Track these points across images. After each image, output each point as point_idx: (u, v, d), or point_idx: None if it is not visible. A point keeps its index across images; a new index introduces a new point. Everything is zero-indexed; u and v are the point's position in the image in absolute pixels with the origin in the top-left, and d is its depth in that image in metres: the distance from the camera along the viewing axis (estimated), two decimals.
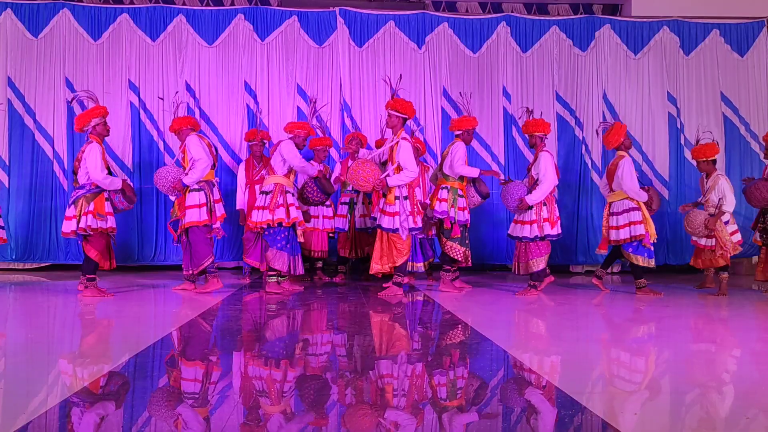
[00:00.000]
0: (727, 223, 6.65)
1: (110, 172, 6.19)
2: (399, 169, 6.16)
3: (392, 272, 6.40)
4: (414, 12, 8.90)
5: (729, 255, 6.54)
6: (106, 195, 6.07)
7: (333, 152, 8.52)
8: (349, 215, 7.55)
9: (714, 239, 6.58)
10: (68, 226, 6.04)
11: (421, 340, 4.58)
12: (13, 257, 8.35)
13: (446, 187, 6.64)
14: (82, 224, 5.92)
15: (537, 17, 9.13)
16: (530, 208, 6.39)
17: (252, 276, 7.72)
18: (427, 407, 2.88)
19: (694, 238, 6.91)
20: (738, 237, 6.76)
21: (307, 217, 7.27)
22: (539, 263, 6.43)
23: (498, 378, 3.49)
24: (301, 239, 6.53)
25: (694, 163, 7.20)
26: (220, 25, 8.62)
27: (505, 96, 8.77)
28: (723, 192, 6.52)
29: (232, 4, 9.52)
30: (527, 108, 6.99)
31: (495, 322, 5.35)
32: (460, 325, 5.00)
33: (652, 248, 6.47)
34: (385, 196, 6.27)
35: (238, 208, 7.53)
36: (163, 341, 4.21)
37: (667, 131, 8.85)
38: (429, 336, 4.71)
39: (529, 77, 8.85)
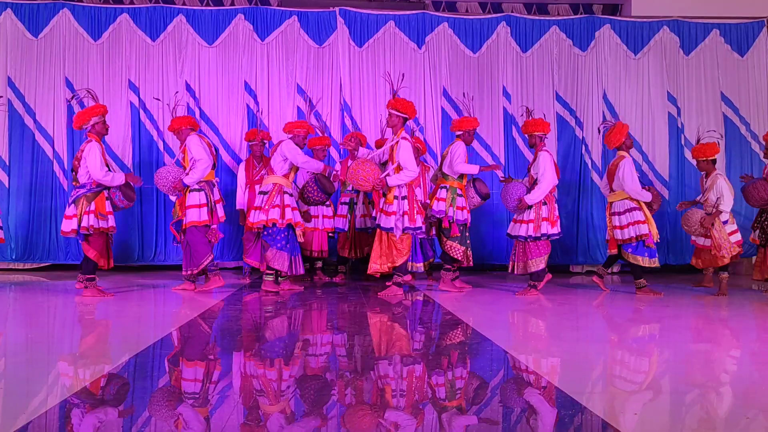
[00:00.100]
0: (726, 222, 6.65)
1: (110, 171, 6.19)
2: (399, 168, 6.16)
3: (391, 272, 6.40)
4: (414, 12, 8.90)
5: (728, 255, 6.53)
6: (106, 194, 6.07)
7: (333, 152, 8.52)
8: (349, 215, 7.55)
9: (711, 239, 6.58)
10: (68, 225, 6.04)
11: (421, 340, 4.58)
12: (13, 257, 8.35)
13: (445, 187, 6.65)
14: (84, 223, 5.92)
15: (537, 17, 9.13)
16: (529, 207, 6.39)
17: (252, 276, 7.72)
18: (427, 407, 2.88)
19: (694, 238, 6.91)
20: (738, 237, 6.76)
21: (307, 217, 7.27)
22: (539, 263, 6.42)
23: (498, 378, 3.49)
24: (301, 239, 6.53)
25: (694, 162, 7.20)
26: (220, 25, 8.62)
27: (505, 96, 8.77)
28: (721, 191, 6.53)
29: (232, 4, 9.52)
30: (527, 108, 6.99)
31: (495, 322, 5.35)
32: (460, 325, 5.00)
33: (655, 248, 6.46)
34: (385, 195, 6.27)
35: (238, 208, 7.53)
36: (163, 341, 4.22)
37: (667, 131, 8.85)
38: (429, 336, 4.71)
39: (529, 77, 8.85)
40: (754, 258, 8.05)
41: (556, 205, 6.53)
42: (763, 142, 7.19)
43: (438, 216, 6.60)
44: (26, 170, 8.37)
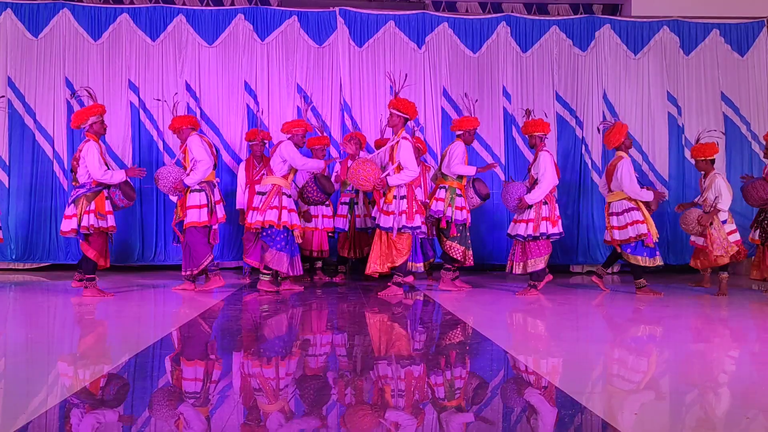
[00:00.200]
0: (725, 222, 6.65)
1: (109, 170, 6.19)
2: (399, 168, 6.17)
3: (390, 272, 6.40)
4: (414, 12, 8.90)
5: (726, 255, 6.53)
6: (106, 194, 6.07)
7: (333, 152, 8.52)
8: (349, 215, 7.55)
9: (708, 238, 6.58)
10: (68, 225, 6.03)
11: (421, 340, 4.58)
12: (13, 257, 8.35)
13: (444, 187, 6.65)
14: (84, 223, 5.91)
15: (537, 17, 9.13)
16: (529, 207, 6.39)
17: (252, 276, 7.72)
18: (427, 407, 2.88)
19: (693, 238, 6.91)
20: (736, 237, 6.76)
21: (307, 216, 7.26)
22: (538, 263, 6.42)
23: (498, 378, 3.49)
24: (299, 240, 6.52)
25: (693, 162, 7.20)
26: (220, 25, 8.62)
27: (505, 96, 8.77)
28: (719, 191, 6.54)
29: (232, 4, 9.51)
30: (527, 109, 6.99)
31: (495, 322, 5.35)
32: (460, 325, 5.00)
33: (655, 247, 6.46)
34: (385, 195, 6.27)
35: (237, 207, 7.53)
36: (163, 341, 4.22)
37: (667, 131, 8.86)
38: (429, 336, 4.71)
39: (529, 77, 8.85)
40: (753, 258, 8.05)
41: (556, 205, 6.53)
42: (764, 142, 7.20)
43: (436, 216, 6.61)
44: (26, 170, 8.37)
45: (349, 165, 7.40)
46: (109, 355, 3.93)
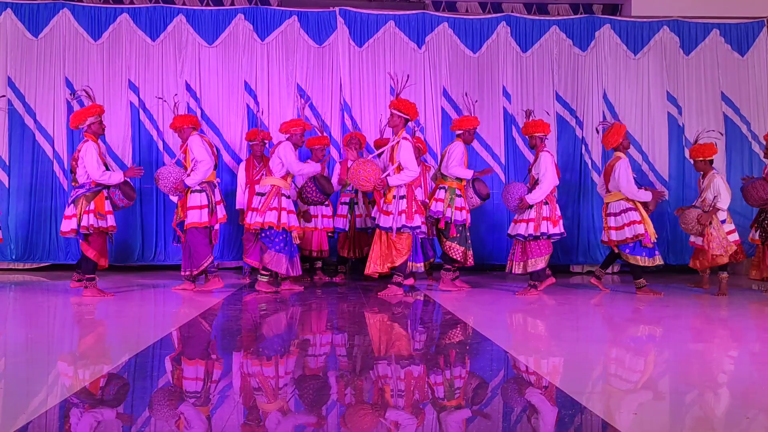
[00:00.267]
0: (723, 222, 6.67)
1: (107, 170, 6.19)
2: (400, 168, 6.17)
3: (390, 273, 6.40)
4: (414, 12, 8.90)
5: (725, 254, 6.54)
6: (105, 193, 6.07)
7: (333, 152, 8.52)
8: (349, 215, 7.54)
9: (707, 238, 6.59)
10: (67, 225, 6.03)
11: (421, 340, 4.58)
12: (13, 257, 8.35)
13: (444, 187, 6.65)
14: (84, 223, 5.91)
15: (537, 17, 9.13)
16: (530, 207, 6.40)
17: (252, 276, 7.71)
18: (427, 407, 2.88)
19: (692, 239, 6.91)
20: (735, 237, 6.77)
21: (307, 216, 7.26)
22: (538, 263, 6.42)
23: (498, 378, 3.49)
24: (297, 241, 6.51)
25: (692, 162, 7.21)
26: (220, 25, 8.62)
27: (505, 96, 8.77)
28: (718, 190, 6.55)
29: (232, 4, 9.51)
30: (528, 110, 6.99)
31: (495, 322, 5.35)
32: (460, 325, 5.00)
33: (653, 247, 6.46)
34: (385, 195, 6.27)
35: (237, 207, 7.52)
36: (163, 341, 4.21)
37: (667, 131, 8.85)
38: (429, 336, 4.71)
39: (529, 77, 8.85)
40: (752, 258, 8.05)
41: (557, 205, 6.53)
42: (764, 142, 7.20)
43: (436, 216, 6.61)
44: (26, 170, 8.37)
45: (349, 165, 7.41)
46: (109, 355, 3.93)
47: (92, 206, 5.95)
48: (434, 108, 8.73)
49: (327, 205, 7.53)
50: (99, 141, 6.17)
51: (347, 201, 7.57)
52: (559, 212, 6.53)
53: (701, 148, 6.80)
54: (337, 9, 8.72)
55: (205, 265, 6.35)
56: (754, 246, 7.07)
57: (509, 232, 6.66)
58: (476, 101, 7.44)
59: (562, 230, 6.53)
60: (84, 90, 6.39)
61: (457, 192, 6.64)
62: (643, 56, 8.89)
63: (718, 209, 6.55)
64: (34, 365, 3.58)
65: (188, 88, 8.51)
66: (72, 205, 6.02)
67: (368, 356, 3.91)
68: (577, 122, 8.84)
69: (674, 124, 8.86)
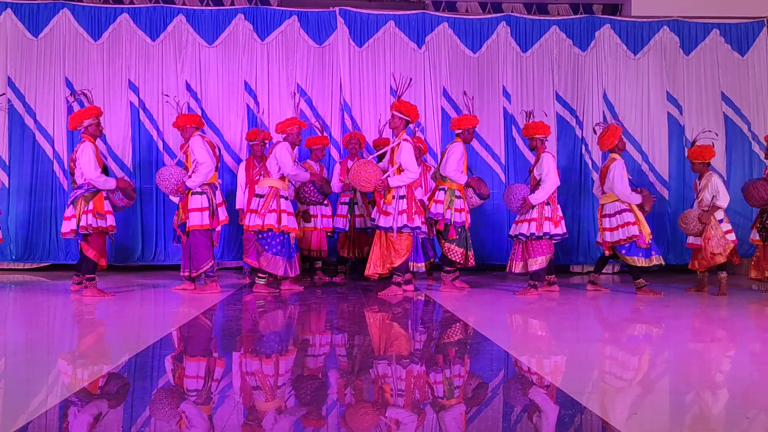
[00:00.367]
0: (721, 221, 6.68)
1: (105, 171, 6.19)
2: (400, 170, 6.17)
3: (390, 273, 6.40)
4: (414, 12, 8.90)
5: (723, 253, 6.55)
6: (104, 194, 6.06)
7: (333, 152, 8.52)
8: (348, 215, 7.54)
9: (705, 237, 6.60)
10: (67, 226, 6.03)
11: (421, 340, 4.58)
12: (13, 257, 8.35)
13: (443, 189, 6.65)
14: (82, 223, 5.91)
15: (537, 17, 9.13)
16: (532, 207, 6.41)
17: (252, 276, 7.71)
18: (427, 407, 2.88)
19: (689, 240, 6.92)
20: (732, 236, 6.77)
21: (307, 216, 7.25)
22: (539, 262, 6.43)
23: (498, 378, 3.49)
24: (293, 241, 6.50)
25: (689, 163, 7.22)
26: (220, 25, 8.62)
27: (505, 96, 8.77)
28: (717, 189, 6.59)
29: (232, 4, 9.52)
30: (528, 111, 7.00)
31: (495, 322, 5.35)
32: (460, 326, 5.00)
33: (649, 247, 6.48)
34: (384, 195, 6.27)
35: (237, 207, 7.52)
36: (163, 341, 4.21)
37: (667, 131, 8.85)
38: (429, 336, 4.71)
39: (529, 77, 8.84)
40: (752, 257, 8.04)
41: (558, 206, 6.55)
42: (764, 143, 7.20)
43: (436, 218, 6.61)
44: (26, 170, 8.37)
45: (349, 165, 7.41)
46: (109, 355, 3.93)
47: (91, 206, 5.95)
48: (434, 108, 8.73)
49: (326, 205, 7.53)
50: (98, 141, 6.17)
51: (347, 201, 7.57)
52: (560, 213, 6.55)
53: (701, 151, 6.82)
54: (337, 9, 8.72)
55: (205, 268, 6.33)
56: (753, 246, 7.06)
57: (510, 233, 6.67)
58: (473, 98, 7.44)
59: (564, 231, 6.55)
60: (82, 92, 6.38)
61: (457, 193, 6.63)
62: (643, 56, 8.89)
63: (718, 207, 6.57)
64: (34, 365, 3.58)
65: (188, 88, 8.51)
66: (71, 206, 6.02)
67: (368, 356, 3.91)
68: (577, 122, 8.84)
69: (674, 124, 8.86)
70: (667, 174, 8.81)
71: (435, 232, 6.83)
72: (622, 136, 6.74)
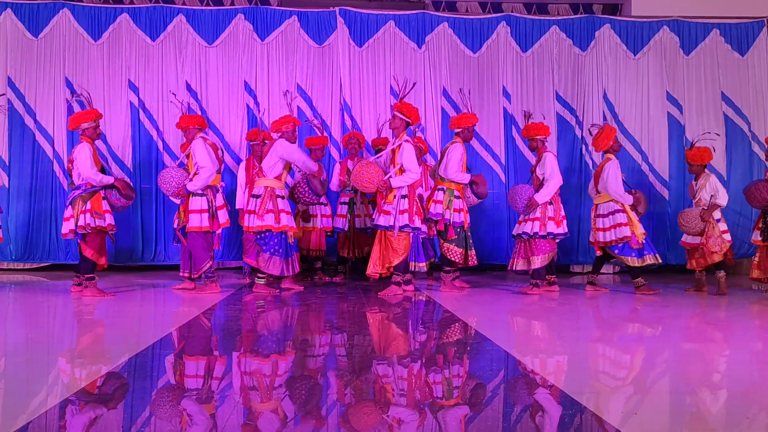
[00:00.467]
0: (719, 221, 6.70)
1: (104, 172, 6.19)
2: (401, 171, 6.18)
3: (390, 274, 6.40)
4: (414, 12, 8.90)
5: (719, 251, 6.57)
6: (102, 194, 6.06)
7: (333, 152, 8.52)
8: (348, 215, 7.54)
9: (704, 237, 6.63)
10: (66, 227, 6.03)
11: (421, 340, 4.58)
12: (13, 257, 8.35)
13: (442, 189, 6.65)
14: (80, 222, 5.91)
15: (537, 17, 9.12)
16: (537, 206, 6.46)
17: (252, 276, 7.71)
18: (428, 407, 2.88)
19: (684, 239, 6.93)
20: (728, 237, 6.78)
21: (306, 216, 7.25)
22: (540, 260, 6.46)
23: (498, 378, 3.49)
24: (291, 241, 6.49)
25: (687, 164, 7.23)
26: (220, 25, 8.61)
27: (505, 96, 8.77)
28: (716, 188, 6.66)
29: (232, 4, 9.51)
30: (526, 113, 7.00)
31: (495, 322, 5.35)
32: (460, 326, 5.00)
33: (642, 247, 6.51)
34: (386, 196, 6.27)
35: (237, 207, 7.52)
36: (163, 341, 4.21)
37: (667, 131, 8.85)
38: (429, 336, 4.71)
39: (529, 77, 8.84)
40: (753, 257, 8.04)
41: (561, 206, 6.58)
42: (765, 144, 7.21)
43: (435, 219, 6.61)
44: (26, 170, 8.37)
45: (349, 166, 7.41)
46: (108, 355, 3.93)
47: (88, 206, 5.96)
48: (434, 108, 8.73)
49: (326, 205, 7.53)
50: (98, 141, 6.16)
51: (346, 201, 7.57)
52: (563, 212, 6.58)
53: (699, 153, 6.85)
54: (337, 9, 8.72)
55: (204, 269, 6.33)
56: (754, 247, 7.06)
57: (513, 232, 6.69)
58: (469, 92, 7.44)
59: (566, 230, 6.60)
60: (81, 95, 6.38)
61: (456, 193, 6.64)
62: (643, 56, 8.89)
63: (718, 206, 6.61)
64: (34, 365, 3.58)
65: (188, 88, 8.50)
66: (69, 206, 6.02)
67: (368, 356, 3.91)
68: (577, 122, 8.84)
69: (674, 124, 8.86)
70: (667, 174, 8.81)
71: (435, 232, 6.84)
72: (617, 138, 6.77)
